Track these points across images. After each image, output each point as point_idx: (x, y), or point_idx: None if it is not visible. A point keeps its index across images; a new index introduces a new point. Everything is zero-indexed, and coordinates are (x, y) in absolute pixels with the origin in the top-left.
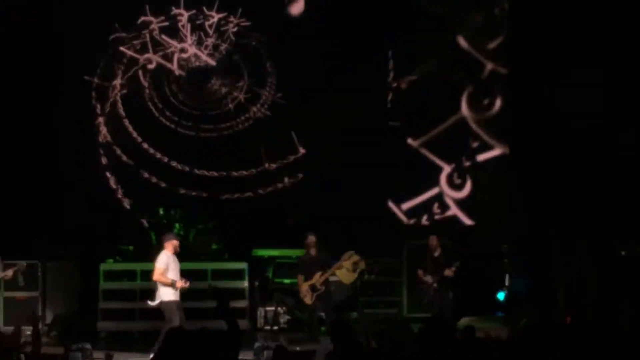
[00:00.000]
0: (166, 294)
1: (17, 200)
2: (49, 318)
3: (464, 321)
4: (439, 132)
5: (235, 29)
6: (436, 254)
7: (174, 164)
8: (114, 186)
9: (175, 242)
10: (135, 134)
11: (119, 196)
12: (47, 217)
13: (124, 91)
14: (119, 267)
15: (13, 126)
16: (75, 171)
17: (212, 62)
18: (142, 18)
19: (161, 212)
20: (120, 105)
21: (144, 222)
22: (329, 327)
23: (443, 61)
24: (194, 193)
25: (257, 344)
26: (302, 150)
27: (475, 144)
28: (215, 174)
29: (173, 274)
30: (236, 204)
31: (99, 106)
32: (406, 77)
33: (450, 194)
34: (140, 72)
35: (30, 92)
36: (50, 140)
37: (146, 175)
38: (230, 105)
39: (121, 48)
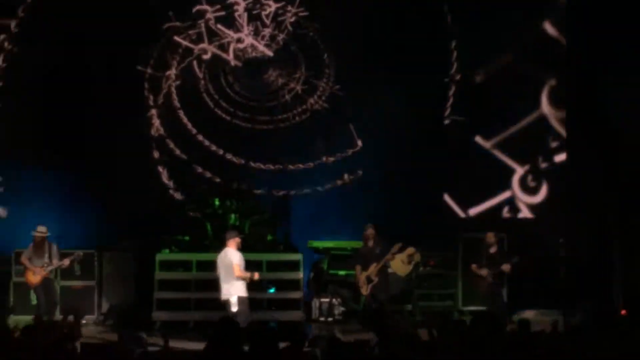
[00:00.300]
0: (242, 290)
1: (74, 190)
2: (104, 307)
3: (525, 315)
4: (515, 131)
5: (292, 19)
6: (492, 250)
7: (229, 156)
8: (166, 181)
9: (238, 240)
10: (189, 126)
11: (171, 191)
12: (104, 207)
13: (178, 82)
14: (175, 257)
15: (70, 116)
16: (131, 162)
17: (269, 53)
18: (197, 7)
19: (216, 202)
20: (174, 96)
21: (198, 214)
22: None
23: (520, 51)
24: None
25: (311, 335)
26: (359, 144)
27: (554, 144)
28: (271, 167)
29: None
30: (291, 199)
31: (151, 97)
32: (479, 70)
33: (523, 198)
34: (195, 63)
35: (85, 82)
36: (105, 131)
37: (200, 170)
38: (287, 97)
39: (176, 38)
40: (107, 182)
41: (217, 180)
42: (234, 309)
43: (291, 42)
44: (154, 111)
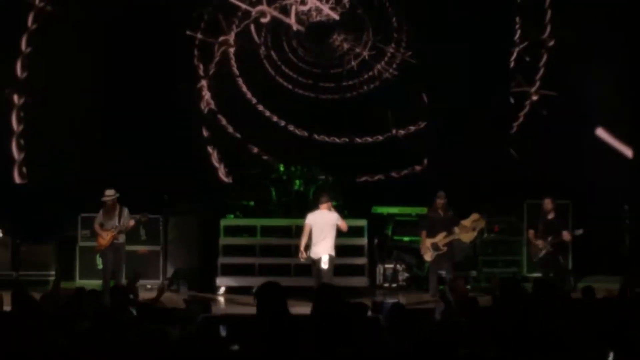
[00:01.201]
0: (333, 249)
1: (140, 156)
2: (169, 272)
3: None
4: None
5: None
6: (550, 216)
7: (291, 128)
8: (216, 164)
9: (330, 203)
10: (249, 95)
11: (221, 174)
12: (169, 172)
13: (234, 48)
14: (240, 222)
15: (119, 84)
16: (192, 127)
17: (335, 16)
18: None
19: (281, 168)
20: (233, 62)
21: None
22: (448, 286)
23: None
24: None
25: (375, 301)
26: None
27: None
28: (336, 140)
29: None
30: (357, 163)
31: (201, 66)
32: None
33: None
34: (252, 27)
35: (128, 48)
36: (160, 97)
37: (255, 150)
38: (353, 63)
39: None
40: (171, 147)
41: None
42: (325, 266)
43: (357, 5)
44: (204, 82)
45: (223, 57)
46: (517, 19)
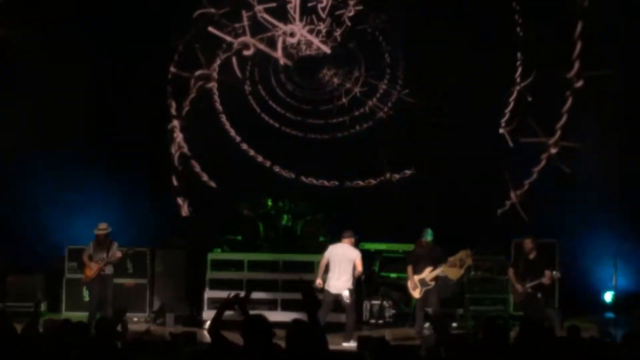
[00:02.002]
0: (352, 283)
1: (127, 189)
2: (156, 305)
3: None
4: None
5: (351, 14)
6: (531, 256)
7: (276, 169)
8: (185, 214)
9: (353, 240)
10: (233, 132)
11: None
12: (157, 206)
13: (211, 84)
14: (227, 256)
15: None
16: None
17: (327, 50)
18: None
19: (269, 203)
20: (216, 98)
21: (251, 214)
22: (434, 323)
23: None
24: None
25: (361, 337)
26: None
27: None
28: (325, 183)
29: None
30: (345, 198)
31: (174, 104)
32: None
33: None
34: (234, 60)
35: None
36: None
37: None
38: (344, 100)
39: (210, 29)
40: (160, 181)
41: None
42: (348, 301)
43: (349, 39)
44: (176, 122)
45: (199, 93)
46: (519, 55)
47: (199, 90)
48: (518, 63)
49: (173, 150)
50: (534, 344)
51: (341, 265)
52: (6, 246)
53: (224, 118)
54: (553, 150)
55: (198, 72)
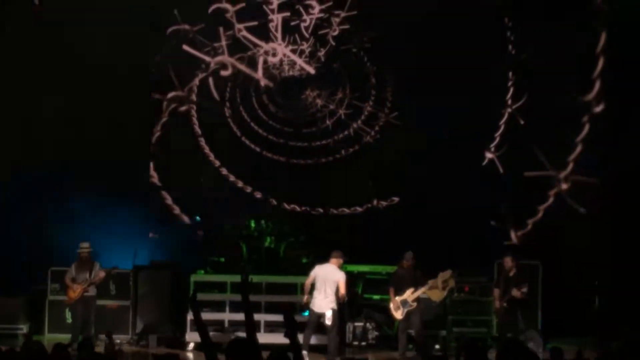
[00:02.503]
0: (335, 304)
1: (111, 210)
2: (139, 327)
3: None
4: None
5: (335, 33)
6: (511, 274)
7: (258, 195)
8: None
9: (342, 261)
10: (212, 157)
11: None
12: (138, 228)
13: (185, 107)
14: (210, 278)
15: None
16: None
17: (310, 70)
18: (215, 5)
19: (252, 224)
20: (195, 120)
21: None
22: (417, 345)
23: None
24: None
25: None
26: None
27: None
28: (308, 210)
29: None
30: (327, 219)
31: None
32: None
33: None
34: (210, 80)
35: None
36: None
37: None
38: (328, 122)
39: (185, 47)
40: (143, 202)
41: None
42: (329, 322)
43: (333, 59)
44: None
45: (172, 116)
46: (510, 74)
47: (172, 114)
48: (510, 84)
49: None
50: None
51: (326, 286)
52: None
53: (202, 142)
54: (564, 186)
55: (171, 94)
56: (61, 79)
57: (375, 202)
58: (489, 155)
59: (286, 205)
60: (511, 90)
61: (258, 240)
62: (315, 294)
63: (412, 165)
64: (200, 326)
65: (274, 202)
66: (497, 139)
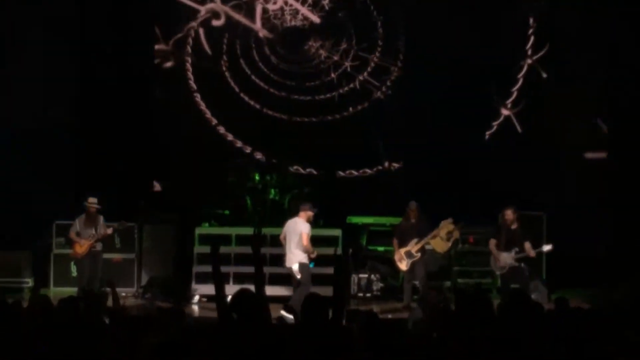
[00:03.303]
0: (303, 257)
1: (114, 162)
2: (144, 280)
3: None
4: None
5: None
6: (513, 226)
7: (258, 155)
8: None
9: (310, 214)
10: (208, 114)
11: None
12: (144, 180)
13: (170, 63)
14: (215, 231)
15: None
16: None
17: (315, 19)
18: None
19: (257, 177)
20: (190, 75)
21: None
22: (421, 295)
23: None
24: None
25: (349, 311)
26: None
27: None
28: (313, 172)
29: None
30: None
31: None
32: None
33: None
34: (201, 31)
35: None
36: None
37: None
38: (333, 75)
39: None
40: (147, 155)
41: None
42: (298, 276)
43: (338, 8)
44: None
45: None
46: (531, 21)
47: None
48: (530, 32)
49: None
50: (519, 315)
51: (291, 240)
52: None
53: (198, 97)
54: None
55: (157, 47)
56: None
57: (387, 164)
58: (505, 112)
59: (289, 168)
60: (531, 39)
61: (262, 192)
62: (285, 249)
63: (421, 122)
64: (218, 280)
65: (275, 161)
66: (515, 94)
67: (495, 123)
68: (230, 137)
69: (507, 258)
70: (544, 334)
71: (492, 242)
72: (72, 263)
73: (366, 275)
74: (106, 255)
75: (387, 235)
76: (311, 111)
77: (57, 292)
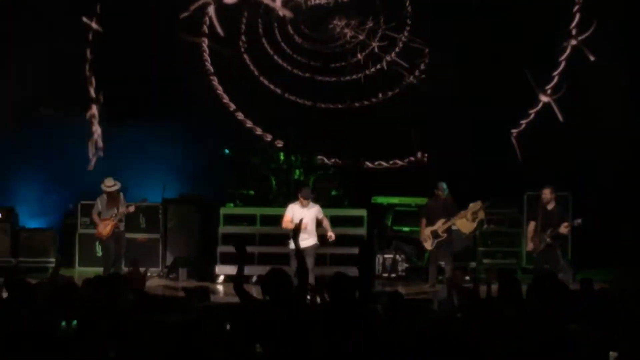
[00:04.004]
0: (291, 244)
1: (140, 143)
2: (169, 260)
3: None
4: None
5: None
6: (550, 206)
7: (279, 144)
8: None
9: (301, 196)
10: (226, 99)
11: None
12: (170, 160)
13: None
14: (239, 211)
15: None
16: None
17: None
18: None
19: (281, 157)
20: (206, 57)
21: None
22: (447, 276)
23: None
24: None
25: (374, 291)
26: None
27: None
28: (338, 162)
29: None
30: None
31: None
32: None
33: None
34: (212, 9)
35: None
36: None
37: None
38: (359, 55)
39: None
40: (173, 135)
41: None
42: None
43: None
44: None
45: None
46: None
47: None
48: (575, 8)
49: None
50: (547, 296)
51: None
52: (20, 201)
53: (215, 81)
54: None
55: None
56: None
57: (419, 154)
58: (544, 98)
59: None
60: (577, 17)
61: (287, 173)
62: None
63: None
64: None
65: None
66: (556, 79)
67: (532, 111)
68: (249, 123)
69: (541, 239)
70: (569, 315)
71: (532, 225)
72: (97, 243)
73: (391, 256)
74: (131, 235)
75: (412, 215)
76: (337, 98)
77: (82, 271)
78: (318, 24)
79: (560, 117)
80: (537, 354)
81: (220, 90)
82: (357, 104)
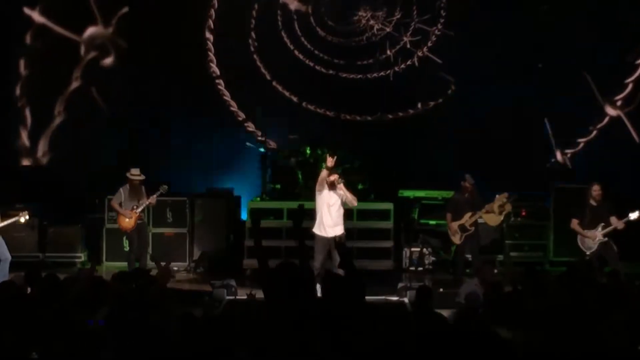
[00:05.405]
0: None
1: (164, 137)
2: (196, 255)
3: None
4: None
5: None
6: (598, 203)
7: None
8: None
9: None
10: (235, 107)
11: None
12: (197, 154)
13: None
14: (266, 205)
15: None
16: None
17: None
18: None
19: (308, 151)
20: (212, 56)
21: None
22: (474, 269)
23: None
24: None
25: (400, 284)
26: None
27: None
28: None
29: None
30: (384, 144)
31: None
32: None
33: None
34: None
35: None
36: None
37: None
38: (389, 52)
39: None
40: (198, 129)
41: None
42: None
43: None
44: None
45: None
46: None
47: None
48: None
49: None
50: (573, 289)
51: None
52: (46, 197)
53: (221, 85)
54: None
55: None
56: None
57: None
58: (611, 111)
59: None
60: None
61: (313, 166)
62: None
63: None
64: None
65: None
66: (630, 87)
67: (596, 127)
68: (260, 135)
69: (594, 236)
70: (595, 308)
71: (575, 222)
72: (124, 237)
73: (418, 249)
74: (158, 230)
75: (439, 208)
76: (366, 108)
77: (109, 266)
78: (339, 15)
79: (637, 138)
80: (564, 347)
81: (227, 96)
82: (390, 116)
